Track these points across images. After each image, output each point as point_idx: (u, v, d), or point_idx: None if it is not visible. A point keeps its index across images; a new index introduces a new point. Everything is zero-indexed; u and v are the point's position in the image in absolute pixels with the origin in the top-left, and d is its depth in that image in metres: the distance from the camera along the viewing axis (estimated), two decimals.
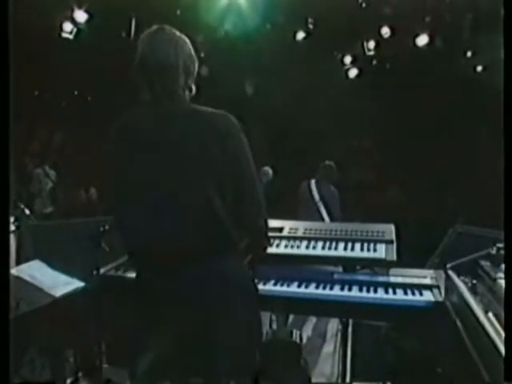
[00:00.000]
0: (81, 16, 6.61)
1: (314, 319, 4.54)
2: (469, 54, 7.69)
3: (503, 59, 1.60)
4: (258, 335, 1.93)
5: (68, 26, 6.74)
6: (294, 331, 3.02)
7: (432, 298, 2.39)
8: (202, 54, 4.77)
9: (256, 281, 2.53)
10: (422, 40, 7.15)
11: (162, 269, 1.75)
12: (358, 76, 8.26)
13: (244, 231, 1.80)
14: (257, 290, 1.95)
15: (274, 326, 3.12)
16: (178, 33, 1.87)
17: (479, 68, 7.89)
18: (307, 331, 4.43)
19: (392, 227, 2.83)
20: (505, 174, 1.57)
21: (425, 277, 2.61)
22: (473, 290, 2.00)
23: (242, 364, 1.79)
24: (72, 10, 6.58)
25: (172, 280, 1.74)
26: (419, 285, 2.53)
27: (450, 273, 2.24)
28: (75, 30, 6.76)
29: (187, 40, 1.88)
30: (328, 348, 4.18)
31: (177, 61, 1.80)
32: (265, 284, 2.57)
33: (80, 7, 6.55)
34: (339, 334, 3.48)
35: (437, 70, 7.63)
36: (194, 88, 1.89)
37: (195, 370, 1.75)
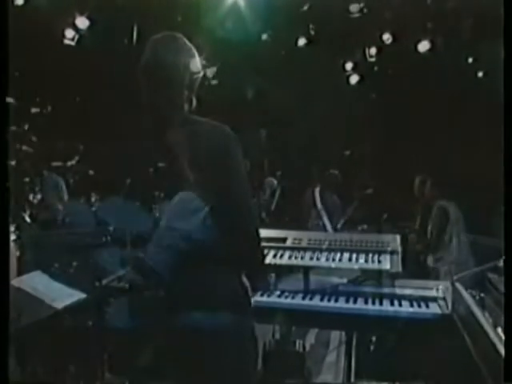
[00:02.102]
0: (83, 22, 6.62)
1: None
2: (470, 59, 7.69)
3: (503, 61, 1.59)
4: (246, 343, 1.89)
5: (70, 33, 6.74)
6: (297, 341, 3.00)
7: (439, 311, 2.37)
8: (204, 61, 4.77)
9: (260, 293, 2.53)
10: (424, 46, 7.13)
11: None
12: (359, 82, 8.24)
13: (236, 242, 1.76)
14: (250, 303, 1.91)
15: (277, 336, 3.10)
16: (188, 44, 1.86)
17: (480, 74, 7.88)
18: (310, 340, 4.40)
19: (397, 237, 2.81)
20: (505, 179, 1.56)
21: (431, 288, 2.58)
22: (481, 304, 1.97)
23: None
24: (74, 17, 6.58)
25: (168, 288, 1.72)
26: (425, 297, 2.50)
27: (458, 285, 2.21)
28: (77, 36, 6.76)
29: (196, 53, 1.86)
30: (331, 357, 4.15)
31: (183, 76, 1.80)
32: (269, 296, 2.55)
33: (82, 14, 6.56)
34: (343, 343, 3.46)
35: (438, 76, 7.61)
36: (194, 100, 1.88)
37: (192, 374, 1.73)
